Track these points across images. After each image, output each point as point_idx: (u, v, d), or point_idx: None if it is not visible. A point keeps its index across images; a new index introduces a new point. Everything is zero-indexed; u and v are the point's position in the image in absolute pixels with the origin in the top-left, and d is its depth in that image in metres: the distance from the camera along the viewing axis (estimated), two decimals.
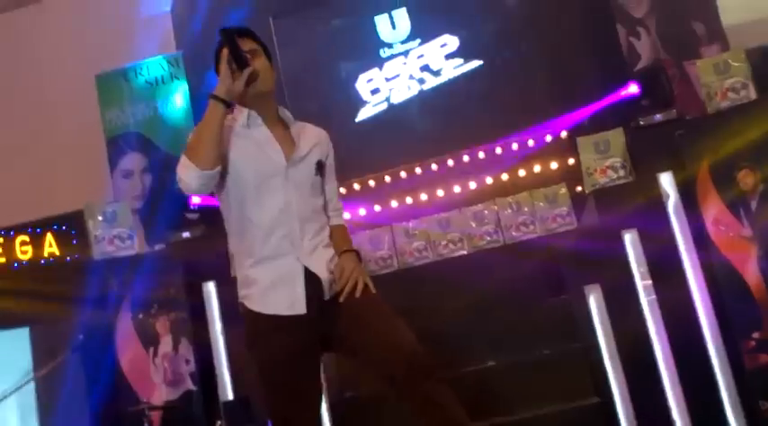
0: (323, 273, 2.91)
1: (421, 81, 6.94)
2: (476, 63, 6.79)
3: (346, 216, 3.46)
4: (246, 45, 2.93)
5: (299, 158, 2.98)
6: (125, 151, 6.40)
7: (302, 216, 2.94)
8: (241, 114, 2.99)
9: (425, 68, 6.93)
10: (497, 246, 5.35)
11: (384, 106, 6.96)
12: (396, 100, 6.96)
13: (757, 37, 5.57)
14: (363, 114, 6.99)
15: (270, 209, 2.92)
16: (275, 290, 2.90)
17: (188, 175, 2.82)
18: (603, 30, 5.85)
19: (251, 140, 2.96)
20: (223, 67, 2.87)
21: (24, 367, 5.65)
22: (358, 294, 2.89)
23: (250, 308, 2.93)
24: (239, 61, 2.84)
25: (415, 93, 6.94)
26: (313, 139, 3.07)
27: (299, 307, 2.86)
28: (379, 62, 7.00)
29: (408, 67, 6.95)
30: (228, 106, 2.87)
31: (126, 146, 6.40)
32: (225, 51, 2.88)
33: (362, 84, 7.01)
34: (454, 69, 6.87)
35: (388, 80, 6.96)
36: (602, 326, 4.66)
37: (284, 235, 2.91)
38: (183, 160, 2.83)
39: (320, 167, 3.05)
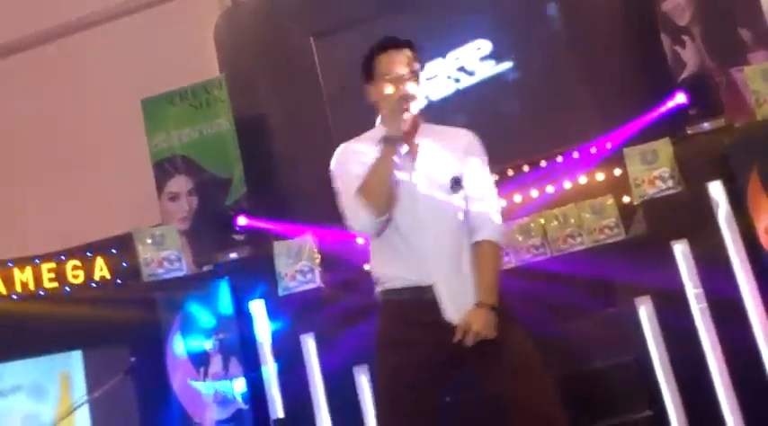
0: (453, 315, 2.72)
1: (459, 81, 6.66)
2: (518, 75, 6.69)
3: None
4: (405, 63, 2.91)
5: (419, 168, 2.85)
6: (171, 174, 6.49)
7: (436, 236, 2.77)
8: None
9: (461, 69, 6.64)
10: (544, 259, 5.31)
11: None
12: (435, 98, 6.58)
13: None
14: None
15: (403, 225, 2.79)
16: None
17: (364, 219, 2.75)
18: (648, 39, 5.77)
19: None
20: (389, 108, 2.87)
21: (79, 390, 5.71)
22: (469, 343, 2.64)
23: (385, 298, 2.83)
24: None
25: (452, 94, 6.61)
26: (440, 146, 2.91)
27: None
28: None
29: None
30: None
31: (172, 169, 6.49)
32: (390, 90, 2.87)
33: None
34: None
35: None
36: (654, 338, 4.61)
37: (419, 255, 2.77)
38: (359, 201, 2.74)
39: (455, 179, 2.84)
